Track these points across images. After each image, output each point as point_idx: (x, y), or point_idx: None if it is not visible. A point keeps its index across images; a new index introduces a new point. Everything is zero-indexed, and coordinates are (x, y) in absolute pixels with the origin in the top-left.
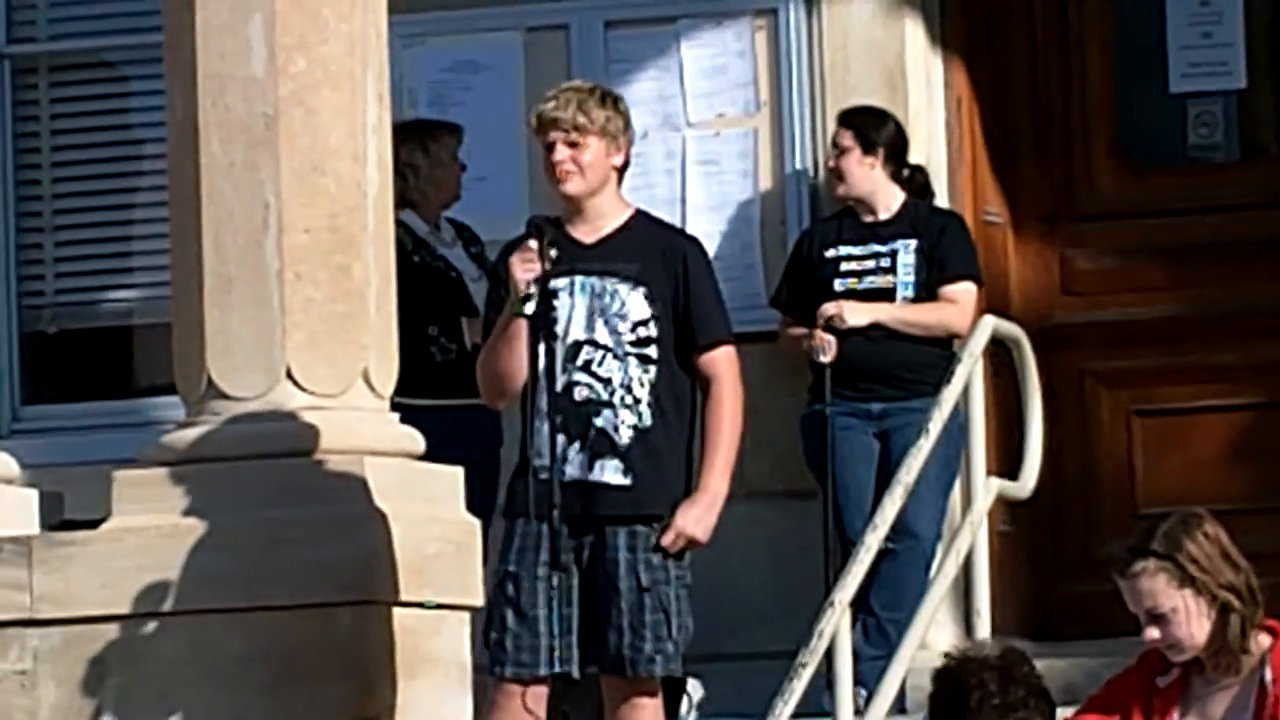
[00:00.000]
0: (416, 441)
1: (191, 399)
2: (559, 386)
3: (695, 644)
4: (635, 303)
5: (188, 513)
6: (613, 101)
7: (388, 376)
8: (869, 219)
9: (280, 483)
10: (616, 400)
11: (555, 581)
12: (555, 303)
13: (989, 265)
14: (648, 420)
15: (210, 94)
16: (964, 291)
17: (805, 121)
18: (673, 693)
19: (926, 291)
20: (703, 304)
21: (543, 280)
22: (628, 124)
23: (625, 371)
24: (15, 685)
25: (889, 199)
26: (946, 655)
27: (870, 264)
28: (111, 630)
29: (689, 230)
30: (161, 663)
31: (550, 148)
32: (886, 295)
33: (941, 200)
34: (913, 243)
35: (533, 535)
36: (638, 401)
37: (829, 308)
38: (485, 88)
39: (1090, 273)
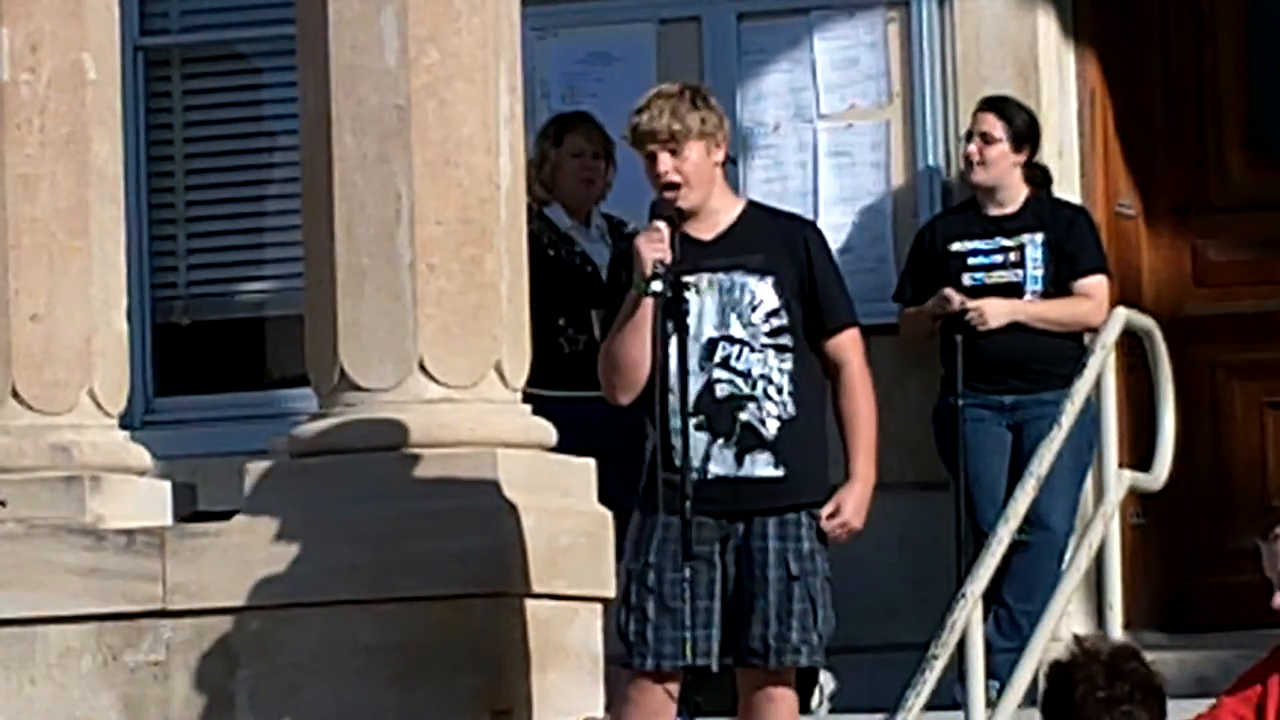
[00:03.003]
0: (549, 433)
1: (324, 390)
2: (698, 385)
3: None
4: (765, 293)
5: (320, 504)
6: (703, 100)
7: (520, 368)
8: (995, 212)
9: (412, 474)
10: (759, 393)
11: (689, 574)
12: (685, 299)
13: (1121, 257)
14: (791, 410)
15: (343, 86)
16: (1098, 285)
17: (937, 113)
18: (805, 685)
19: (1055, 286)
20: (828, 288)
21: (670, 265)
22: (722, 117)
23: (765, 363)
24: (148, 676)
25: (1017, 193)
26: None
27: (998, 258)
28: (244, 621)
29: (821, 223)
30: (293, 654)
31: (652, 158)
32: (1015, 289)
33: (1074, 192)
34: (1039, 237)
35: (675, 528)
36: (780, 391)
37: (969, 306)
38: (617, 80)
39: (1222, 264)
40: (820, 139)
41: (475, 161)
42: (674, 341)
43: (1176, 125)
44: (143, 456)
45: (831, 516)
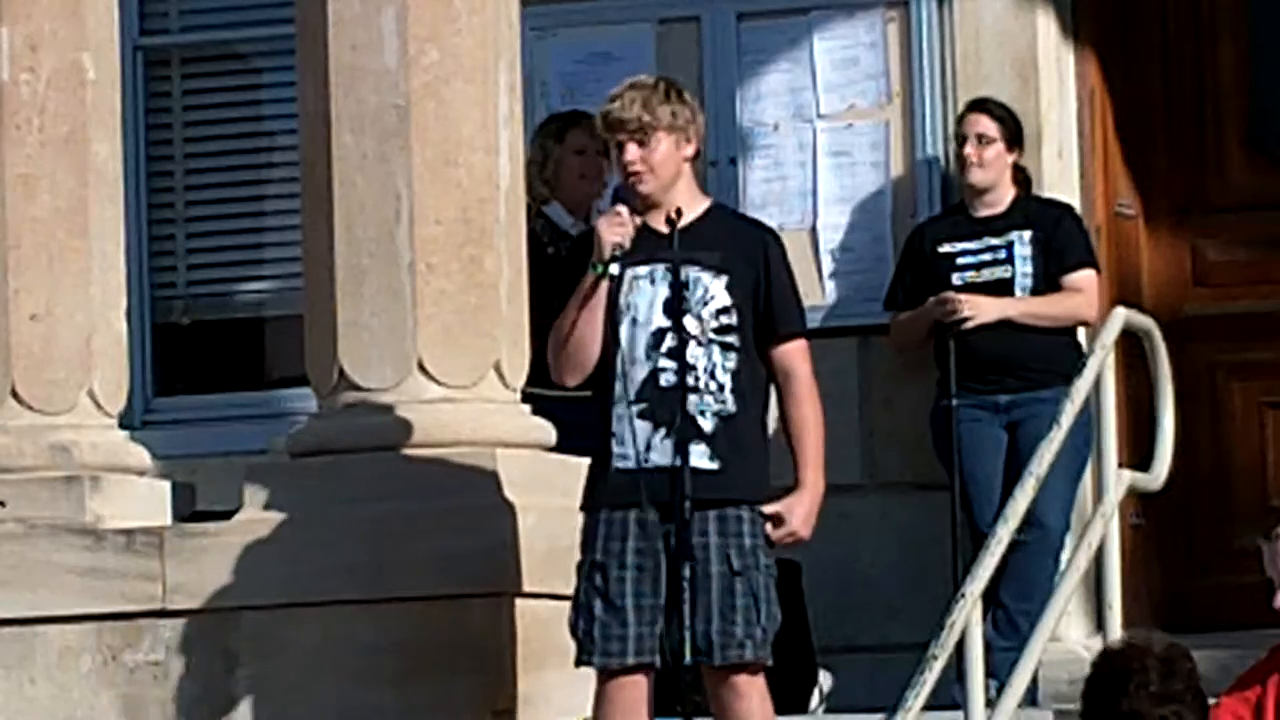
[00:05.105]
0: (548, 433)
1: (323, 390)
2: (643, 374)
3: (826, 636)
4: (717, 290)
5: (320, 504)
6: (677, 94)
7: (519, 368)
8: (983, 213)
9: (412, 474)
10: (702, 386)
11: (689, 572)
12: (638, 289)
13: (1121, 257)
14: (731, 407)
15: (342, 86)
16: (1087, 279)
17: (937, 113)
18: (804, 684)
19: (1045, 282)
20: (782, 296)
21: (629, 247)
22: (695, 113)
23: (709, 358)
24: (148, 676)
25: (1006, 192)
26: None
27: (987, 257)
28: (243, 621)
29: (821, 223)
30: (293, 654)
31: (620, 148)
32: (1005, 288)
33: (1073, 192)
34: (1027, 234)
35: (618, 524)
36: (721, 388)
37: (959, 302)
38: (617, 80)
39: (1222, 264)
40: (820, 139)
41: (475, 161)
42: (623, 328)
43: (1176, 125)
44: (142, 456)
45: (778, 523)
